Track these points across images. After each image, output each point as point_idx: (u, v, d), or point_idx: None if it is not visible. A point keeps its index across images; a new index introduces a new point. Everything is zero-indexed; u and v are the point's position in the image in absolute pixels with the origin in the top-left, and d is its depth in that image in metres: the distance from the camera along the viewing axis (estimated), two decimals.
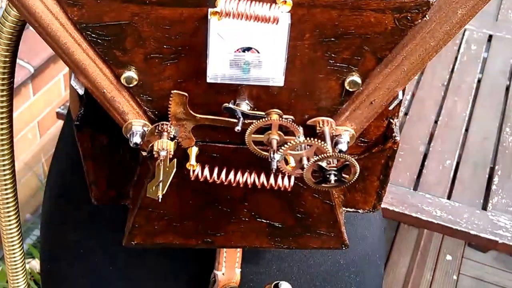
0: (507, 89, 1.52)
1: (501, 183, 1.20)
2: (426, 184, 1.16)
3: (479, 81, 1.57)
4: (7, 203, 0.57)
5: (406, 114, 1.38)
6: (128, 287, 0.62)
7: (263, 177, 0.41)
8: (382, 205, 1.02)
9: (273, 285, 0.55)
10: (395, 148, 0.46)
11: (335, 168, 0.36)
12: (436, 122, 1.35)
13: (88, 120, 0.43)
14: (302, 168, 0.36)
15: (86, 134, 0.43)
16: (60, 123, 1.86)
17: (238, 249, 0.59)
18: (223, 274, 0.59)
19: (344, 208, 0.50)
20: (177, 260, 0.60)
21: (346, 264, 0.65)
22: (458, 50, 1.66)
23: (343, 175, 0.37)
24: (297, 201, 0.44)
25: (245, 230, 0.46)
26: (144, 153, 0.40)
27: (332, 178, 0.36)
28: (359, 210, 0.50)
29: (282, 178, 0.41)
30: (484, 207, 1.15)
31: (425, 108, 1.38)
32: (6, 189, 0.57)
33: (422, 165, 1.22)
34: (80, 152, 0.45)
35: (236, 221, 0.46)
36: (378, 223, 0.70)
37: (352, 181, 0.37)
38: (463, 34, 1.74)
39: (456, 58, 1.63)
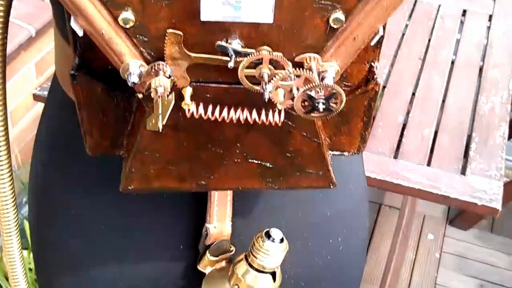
0: (482, 61, 1.58)
1: (479, 149, 1.25)
2: (406, 153, 1.21)
3: (454, 54, 1.63)
4: (4, 192, 0.60)
5: (384, 87, 1.43)
6: (121, 246, 0.65)
7: (254, 114, 0.44)
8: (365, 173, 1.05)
9: (264, 232, 0.59)
10: (377, 90, 0.50)
11: (323, 97, 0.40)
12: (413, 94, 1.40)
13: (83, 69, 0.46)
14: (292, 98, 0.40)
15: (81, 83, 0.46)
16: (34, 110, 1.88)
17: (228, 203, 0.62)
18: (214, 227, 0.62)
19: (330, 152, 0.54)
20: (170, 216, 0.64)
21: (333, 216, 0.69)
22: (433, 25, 1.72)
23: (331, 104, 0.41)
24: (287, 140, 0.48)
25: (238, 171, 0.50)
26: (140, 95, 0.44)
27: (321, 106, 0.40)
28: (344, 153, 0.54)
29: (273, 114, 0.44)
30: (463, 173, 1.20)
31: (402, 82, 1.43)
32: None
33: (402, 136, 1.27)
34: (75, 102, 0.48)
35: (229, 163, 0.49)
36: (362, 179, 0.74)
37: (339, 110, 0.41)
38: (438, 10, 1.80)
39: (431, 32, 1.69)
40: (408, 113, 1.33)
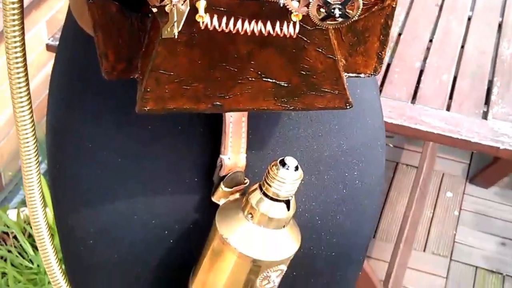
0: (504, 6, 1.57)
1: (501, 94, 1.24)
2: (424, 98, 1.21)
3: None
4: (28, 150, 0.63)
5: (400, 34, 1.42)
6: (136, 178, 0.66)
7: (269, 26, 0.45)
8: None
9: (278, 160, 0.59)
10: (393, 6, 0.50)
11: (339, 2, 0.40)
12: (431, 41, 1.39)
13: None
14: (308, 5, 0.40)
15: (97, 2, 0.47)
16: (47, 67, 1.88)
17: (243, 134, 0.63)
18: (229, 158, 0.63)
19: (346, 74, 0.54)
20: (185, 148, 0.64)
21: (349, 150, 0.70)
22: None
23: (347, 9, 0.41)
24: (301, 57, 0.48)
25: (252, 91, 0.50)
26: (154, 10, 0.44)
27: (337, 12, 0.40)
28: (361, 75, 0.54)
29: (287, 25, 0.45)
30: (485, 117, 1.20)
31: (419, 28, 1.42)
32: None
33: (419, 81, 1.27)
34: (91, 23, 0.49)
35: (243, 82, 0.50)
36: (379, 114, 0.75)
37: (355, 17, 0.41)
38: None
39: None
40: (425, 59, 1.33)
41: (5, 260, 1.56)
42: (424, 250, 2.23)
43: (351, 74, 0.54)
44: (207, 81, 0.49)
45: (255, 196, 0.60)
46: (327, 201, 0.70)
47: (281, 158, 0.59)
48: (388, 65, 1.33)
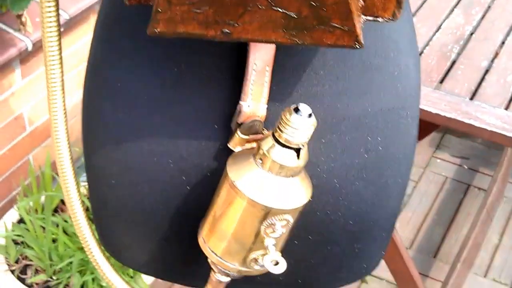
0: None
1: None
2: (484, 96, 1.17)
3: None
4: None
5: (472, 33, 1.39)
6: (162, 119, 0.67)
7: None
8: (433, 111, 1.04)
9: (292, 107, 0.59)
10: None
11: None
12: (503, 43, 1.36)
13: None
14: None
15: None
16: None
17: (265, 84, 0.63)
18: (248, 106, 0.64)
19: (364, 16, 0.54)
20: (209, 94, 0.65)
21: (374, 113, 0.69)
22: None
23: None
24: None
25: (262, 20, 0.51)
26: None
27: None
28: (378, 18, 0.54)
29: None
30: None
31: (493, 29, 1.39)
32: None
33: (482, 81, 1.23)
34: None
35: (253, 9, 0.50)
36: (414, 82, 0.73)
37: None
38: None
39: None
40: (493, 59, 1.29)
41: (58, 226, 1.61)
42: (485, 276, 2.15)
43: (368, 17, 0.53)
44: (218, 5, 0.50)
45: (267, 143, 0.61)
46: (346, 164, 0.69)
47: (295, 105, 0.59)
48: (453, 62, 1.30)
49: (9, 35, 1.54)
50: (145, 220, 0.73)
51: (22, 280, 1.59)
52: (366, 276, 0.83)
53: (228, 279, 0.70)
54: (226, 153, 0.66)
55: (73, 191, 0.74)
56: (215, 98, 0.66)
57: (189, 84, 0.66)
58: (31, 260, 1.59)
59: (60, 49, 0.67)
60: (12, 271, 1.60)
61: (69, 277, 1.54)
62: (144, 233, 0.75)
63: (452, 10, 1.44)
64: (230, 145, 0.66)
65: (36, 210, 1.69)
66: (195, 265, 0.76)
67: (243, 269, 0.66)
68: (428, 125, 1.27)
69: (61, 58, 0.68)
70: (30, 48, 1.59)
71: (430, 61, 1.30)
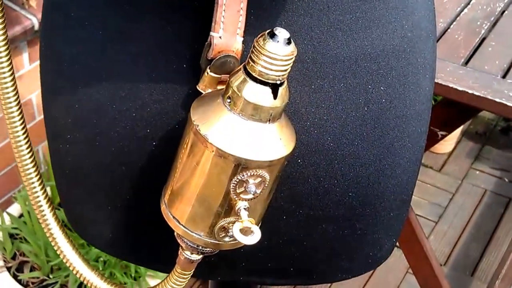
0: None
1: None
2: None
3: None
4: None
5: (504, 11, 1.26)
6: (121, 59, 0.57)
7: None
8: (459, 88, 0.92)
9: (267, 32, 0.48)
10: None
11: None
12: None
13: None
14: None
15: None
16: None
17: (242, 11, 0.52)
18: (220, 37, 0.53)
19: None
20: (176, 30, 0.55)
21: (375, 55, 0.57)
22: None
23: None
24: None
25: None
26: None
27: None
28: None
29: None
30: None
31: None
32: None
33: None
34: None
35: None
36: (428, 24, 0.61)
37: None
38: None
39: None
40: None
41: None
42: None
43: None
44: None
45: (238, 78, 0.49)
46: (341, 117, 0.57)
47: (270, 30, 0.48)
48: (483, 39, 1.17)
49: (14, 13, 1.46)
50: (104, 184, 0.62)
51: (19, 280, 1.49)
52: (374, 268, 0.70)
53: (198, 257, 0.59)
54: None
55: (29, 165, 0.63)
56: (182, 30, 0.55)
57: (153, 16, 0.55)
58: (28, 257, 1.49)
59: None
60: (9, 269, 1.51)
61: (66, 276, 1.44)
62: (105, 201, 0.64)
63: None
64: (199, 87, 0.55)
65: None
66: (166, 243, 0.64)
67: (211, 240, 0.54)
68: (463, 112, 1.15)
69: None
70: (36, 27, 1.51)
71: (457, 37, 1.19)
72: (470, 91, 0.98)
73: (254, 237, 0.51)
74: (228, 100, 0.50)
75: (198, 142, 0.51)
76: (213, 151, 0.50)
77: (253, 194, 0.51)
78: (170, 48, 0.55)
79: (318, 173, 0.59)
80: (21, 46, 1.56)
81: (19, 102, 0.63)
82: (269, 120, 0.50)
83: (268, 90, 0.49)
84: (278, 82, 0.49)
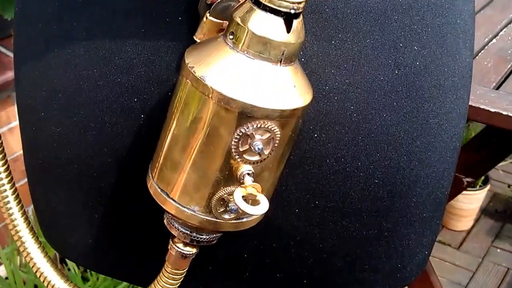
0: None
1: None
2: None
3: None
4: None
5: None
6: (101, 14, 0.49)
7: None
8: (492, 109, 0.83)
9: None
10: None
11: None
12: None
13: None
14: None
15: None
16: None
17: None
18: None
19: None
20: None
21: (407, 7, 0.49)
22: None
23: None
24: None
25: None
26: None
27: None
28: None
29: None
30: None
31: None
32: None
33: None
34: None
35: None
36: None
37: None
38: None
39: None
40: None
41: None
42: None
43: None
44: None
45: (243, 9, 0.41)
46: (368, 82, 0.49)
47: None
48: None
49: (7, 58, 1.41)
50: (84, 175, 0.53)
51: None
52: (401, 286, 0.59)
53: (191, 250, 0.49)
54: None
55: None
56: None
57: None
58: None
59: None
60: None
61: None
62: (85, 198, 0.54)
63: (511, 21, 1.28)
64: (197, 37, 0.46)
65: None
66: (159, 253, 0.54)
67: (207, 217, 0.45)
68: (492, 153, 1.06)
69: None
70: None
71: (487, 63, 1.13)
72: (504, 113, 0.90)
73: (261, 207, 0.42)
74: (231, 37, 0.42)
75: (193, 89, 0.42)
76: (211, 97, 0.41)
77: (260, 155, 0.42)
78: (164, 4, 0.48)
79: (338, 152, 0.50)
80: (13, 96, 1.50)
81: (4, 156, 0.55)
82: (281, 61, 0.42)
83: (279, 20, 0.41)
84: (292, 11, 0.41)
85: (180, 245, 0.49)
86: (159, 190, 0.45)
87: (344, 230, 0.53)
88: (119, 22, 0.48)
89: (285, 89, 0.42)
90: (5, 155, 0.54)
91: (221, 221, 0.45)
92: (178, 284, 0.51)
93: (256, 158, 0.42)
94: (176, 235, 0.48)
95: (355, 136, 0.49)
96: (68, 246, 0.60)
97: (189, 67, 0.42)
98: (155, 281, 0.51)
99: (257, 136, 0.42)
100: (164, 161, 0.45)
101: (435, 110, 0.51)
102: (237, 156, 0.42)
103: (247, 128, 0.41)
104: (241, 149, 0.42)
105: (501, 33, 1.24)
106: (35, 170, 0.58)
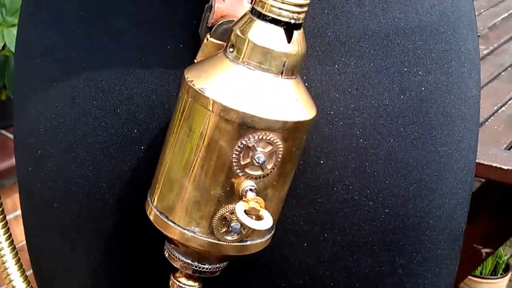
0: None
1: None
2: None
3: None
4: None
5: None
6: (102, 41, 0.49)
7: None
8: (505, 167, 0.83)
9: None
10: None
11: None
12: None
13: None
14: None
15: None
16: None
17: None
18: (223, 0, 0.46)
19: None
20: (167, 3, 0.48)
21: (410, 30, 0.49)
22: None
23: None
24: None
25: None
26: None
27: None
28: None
29: None
30: None
31: None
32: None
33: None
34: None
35: None
36: None
37: None
38: None
39: None
40: None
41: None
42: None
43: None
44: None
45: (242, 21, 0.41)
46: (373, 107, 0.48)
47: None
48: None
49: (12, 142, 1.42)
50: (81, 214, 0.52)
51: None
52: None
53: (193, 285, 0.46)
54: None
55: None
56: (177, 5, 0.47)
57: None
58: None
59: None
60: None
61: None
62: (82, 239, 0.53)
63: None
64: (197, 60, 0.46)
65: None
66: None
67: (208, 239, 0.43)
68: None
69: None
70: None
71: (497, 128, 1.13)
72: None
73: (264, 223, 0.40)
74: (231, 49, 0.41)
75: (192, 102, 0.41)
76: (211, 109, 0.40)
77: (262, 169, 0.41)
78: (162, 24, 0.48)
79: (345, 180, 0.48)
80: None
81: (14, 247, 0.55)
82: (282, 73, 0.41)
83: (280, 30, 0.41)
84: (293, 21, 0.40)
85: (182, 280, 0.46)
86: (158, 214, 0.44)
87: (355, 266, 0.50)
88: (119, 52, 0.48)
89: (287, 101, 0.41)
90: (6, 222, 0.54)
91: (223, 243, 0.43)
92: None
93: (259, 172, 0.41)
94: (178, 266, 0.46)
95: (362, 163, 0.48)
96: None
97: (188, 81, 0.41)
98: None
99: (259, 149, 0.41)
100: (164, 182, 0.44)
101: (443, 138, 0.50)
102: (238, 170, 0.41)
103: (248, 140, 0.40)
104: (242, 163, 0.41)
105: (509, 102, 1.26)
106: (30, 216, 0.57)
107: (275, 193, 0.43)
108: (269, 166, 0.41)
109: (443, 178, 0.51)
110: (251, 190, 0.41)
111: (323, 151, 0.48)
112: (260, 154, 0.41)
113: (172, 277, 0.47)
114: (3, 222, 0.53)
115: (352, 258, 0.50)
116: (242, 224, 0.40)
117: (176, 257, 0.45)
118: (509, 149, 1.05)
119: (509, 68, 1.44)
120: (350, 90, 0.47)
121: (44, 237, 0.56)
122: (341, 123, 0.47)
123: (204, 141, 0.41)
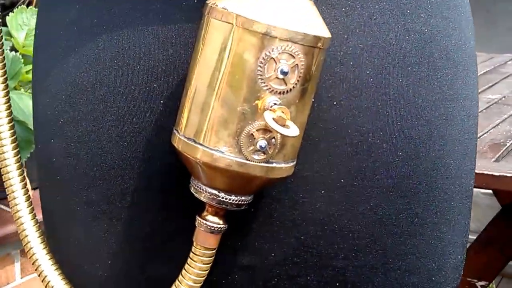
0: None
1: None
2: None
3: None
4: None
5: None
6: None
7: None
8: (496, 174, 0.86)
9: None
10: None
11: None
12: None
13: None
14: None
15: None
16: None
17: None
18: None
19: None
20: None
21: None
22: None
23: None
24: None
25: None
26: None
27: None
28: None
29: None
30: None
31: None
32: None
33: None
34: None
35: None
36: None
37: None
38: None
39: None
40: None
41: None
42: None
43: None
44: None
45: None
46: (379, 45, 0.50)
47: None
48: (510, 151, 1.13)
49: (9, 214, 1.41)
50: (99, 174, 0.52)
51: None
52: None
53: (219, 223, 0.47)
54: None
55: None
56: None
57: None
58: None
59: None
60: None
61: None
62: (106, 199, 0.53)
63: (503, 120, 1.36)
64: None
65: None
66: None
67: (237, 159, 0.44)
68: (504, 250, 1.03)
69: None
70: None
71: (483, 147, 1.15)
72: (509, 175, 0.91)
73: (292, 130, 0.41)
74: None
75: (215, 22, 0.43)
76: (235, 23, 0.42)
77: (286, 83, 0.42)
78: None
79: (359, 120, 0.50)
80: (13, 254, 1.48)
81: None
82: None
83: None
84: None
85: (209, 217, 0.47)
86: (186, 140, 0.45)
87: (373, 213, 0.51)
88: (136, 11, 0.51)
89: (308, 17, 0.43)
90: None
91: (250, 162, 0.44)
92: (207, 270, 0.48)
93: (282, 87, 0.43)
94: (204, 199, 0.46)
95: (374, 103, 0.50)
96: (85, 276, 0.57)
97: (211, 4, 0.44)
98: (183, 270, 0.48)
99: (282, 61, 0.42)
100: (191, 108, 0.45)
101: (448, 82, 0.52)
102: (263, 84, 0.42)
103: (272, 51, 0.42)
104: (267, 75, 0.42)
105: (490, 130, 1.31)
106: (52, 193, 0.57)
107: (297, 114, 0.44)
108: (292, 81, 0.43)
109: (451, 122, 0.53)
110: (275, 104, 0.42)
111: (336, 92, 0.49)
112: (284, 65, 0.42)
113: (198, 217, 0.47)
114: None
115: (368, 204, 0.51)
116: (271, 130, 0.41)
117: (202, 189, 0.46)
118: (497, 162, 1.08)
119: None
120: (357, 30, 0.50)
121: (65, 208, 0.56)
122: (351, 63, 0.49)
123: (228, 56, 0.43)
